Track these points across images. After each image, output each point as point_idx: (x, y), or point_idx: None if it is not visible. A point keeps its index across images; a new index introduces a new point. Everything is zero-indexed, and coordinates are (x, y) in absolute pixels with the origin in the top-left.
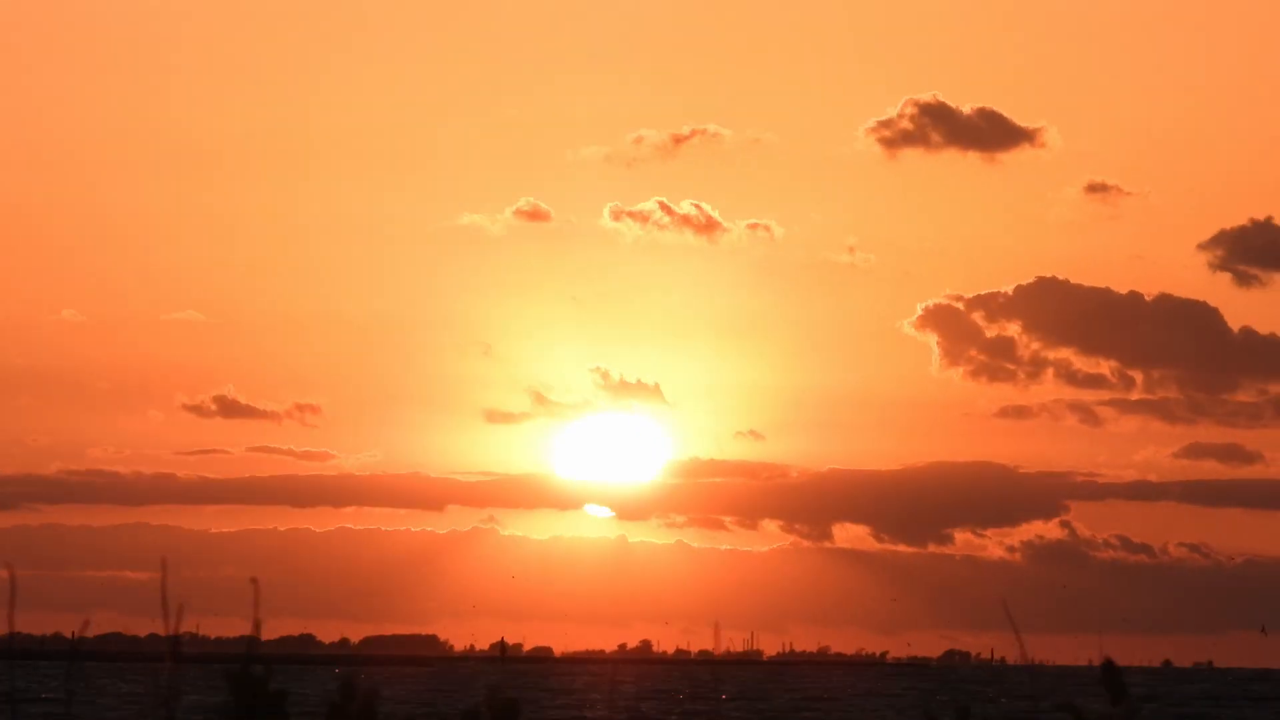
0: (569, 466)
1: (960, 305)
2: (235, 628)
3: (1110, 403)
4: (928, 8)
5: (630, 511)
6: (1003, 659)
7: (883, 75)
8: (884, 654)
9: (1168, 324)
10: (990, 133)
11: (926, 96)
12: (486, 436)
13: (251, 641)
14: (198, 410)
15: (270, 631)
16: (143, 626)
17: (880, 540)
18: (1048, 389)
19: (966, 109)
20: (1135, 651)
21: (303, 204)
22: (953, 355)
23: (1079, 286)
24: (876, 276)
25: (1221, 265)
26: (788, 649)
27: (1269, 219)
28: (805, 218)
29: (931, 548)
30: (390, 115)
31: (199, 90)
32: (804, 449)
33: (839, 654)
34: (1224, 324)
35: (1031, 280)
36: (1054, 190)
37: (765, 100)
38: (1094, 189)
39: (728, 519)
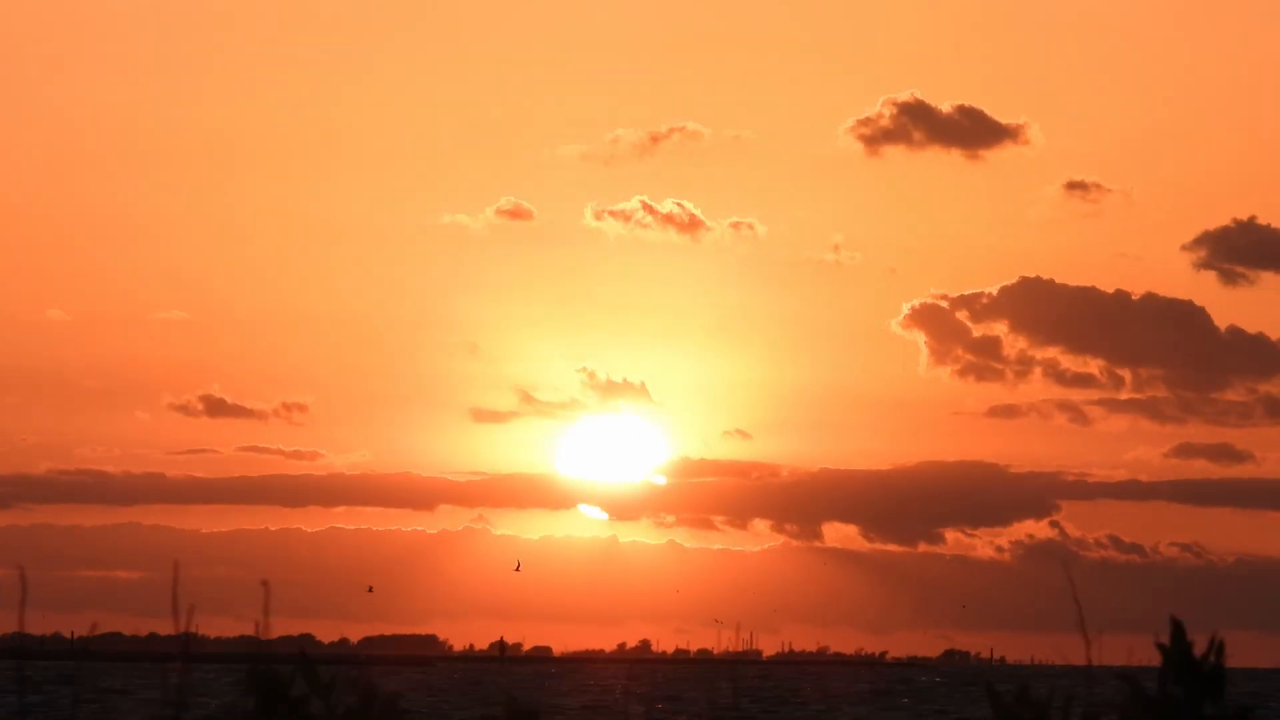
0: (558, 466)
1: (946, 304)
2: (230, 628)
3: (1099, 402)
4: (905, 4)
5: (621, 511)
6: (1002, 658)
7: (862, 73)
8: (884, 654)
9: (1155, 323)
10: (972, 130)
11: (906, 94)
12: (475, 436)
13: (254, 642)
14: (185, 410)
15: (268, 631)
16: (133, 625)
17: (871, 540)
18: (1036, 388)
19: (947, 106)
20: (1135, 651)
21: (286, 203)
22: (940, 354)
23: (1065, 286)
24: (862, 275)
25: (1205, 264)
26: (786, 649)
27: (1252, 219)
28: (788, 216)
29: (922, 547)
30: (372, 115)
31: (184, 91)
32: (793, 448)
33: (838, 653)
34: (1211, 323)
35: (1018, 278)
36: (1037, 188)
37: (742, 99)
38: (1074, 187)
39: (718, 518)
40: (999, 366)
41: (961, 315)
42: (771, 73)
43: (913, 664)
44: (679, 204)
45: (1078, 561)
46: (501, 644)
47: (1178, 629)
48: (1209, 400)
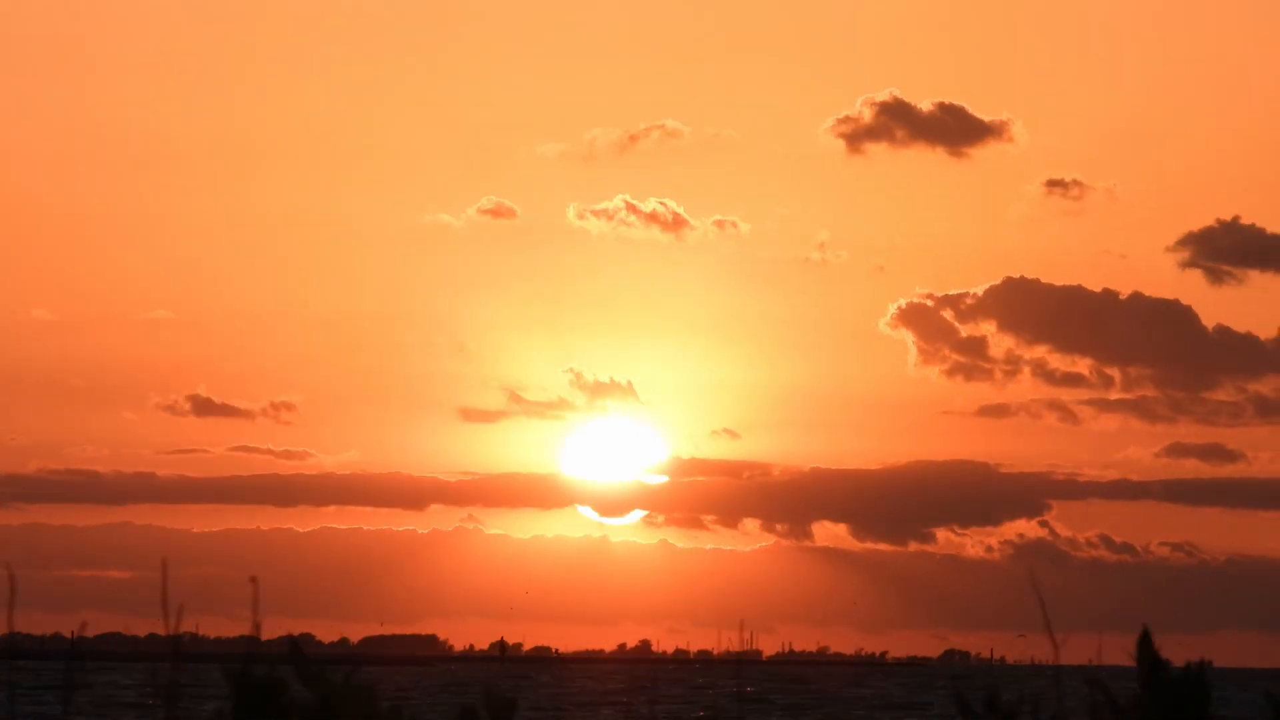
0: (548, 465)
1: (931, 303)
2: (225, 628)
3: (1089, 402)
4: (885, 1)
5: (612, 511)
6: (1002, 658)
7: (842, 71)
8: (884, 654)
9: (1143, 323)
10: (954, 128)
11: (887, 92)
12: (464, 435)
13: (251, 642)
14: (172, 409)
15: (268, 631)
16: (128, 625)
17: (861, 539)
18: (1025, 388)
19: (929, 104)
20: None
21: (271, 203)
22: (928, 354)
23: (1051, 285)
24: (848, 274)
25: (1191, 263)
26: (786, 649)
27: (1236, 218)
28: (771, 214)
29: (913, 546)
30: (355, 114)
31: (169, 90)
32: (782, 448)
33: (838, 653)
34: (1199, 322)
35: (1005, 277)
36: (1022, 186)
37: (721, 97)
38: (1056, 185)
39: (708, 518)
40: (988, 366)
41: (949, 315)
42: (750, 71)
43: (912, 664)
44: (662, 203)
45: (1068, 561)
46: (502, 644)
47: (1145, 638)
48: (1199, 400)
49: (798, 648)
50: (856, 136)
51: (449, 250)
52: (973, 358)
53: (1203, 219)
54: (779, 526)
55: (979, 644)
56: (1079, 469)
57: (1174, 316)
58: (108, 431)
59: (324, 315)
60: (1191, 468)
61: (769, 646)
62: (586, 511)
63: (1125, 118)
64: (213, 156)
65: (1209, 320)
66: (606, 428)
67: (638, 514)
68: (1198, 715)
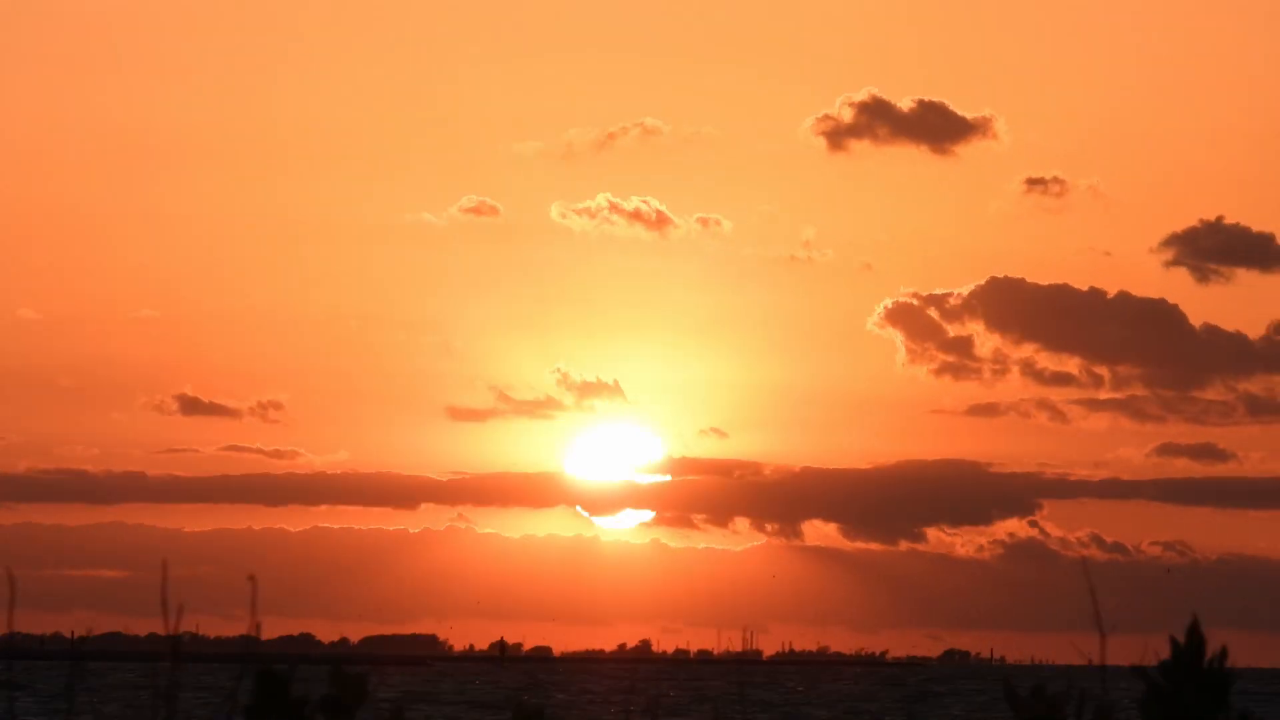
0: (538, 464)
1: (918, 302)
2: (220, 627)
3: (1079, 401)
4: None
5: (603, 510)
6: (1002, 658)
7: (821, 69)
8: (884, 653)
9: (1131, 322)
10: (936, 125)
11: (866, 91)
12: (453, 434)
13: (250, 641)
14: (160, 409)
15: (266, 631)
16: (122, 625)
17: (852, 539)
18: (1014, 387)
19: (910, 101)
20: (1132, 651)
21: (255, 202)
22: (916, 353)
23: (1038, 284)
24: (834, 272)
25: (1176, 262)
26: (786, 649)
27: (1220, 218)
28: (754, 212)
29: (904, 545)
30: (338, 113)
31: (154, 89)
32: (770, 447)
33: (838, 653)
34: (1187, 321)
35: (992, 276)
36: (1005, 184)
37: (700, 95)
38: (1037, 183)
39: (699, 517)
40: (976, 365)
41: (937, 314)
42: (728, 68)
43: (912, 664)
44: (645, 201)
45: (1058, 561)
46: (501, 644)
47: (1194, 630)
48: (1189, 399)
49: (798, 647)
50: (838, 134)
51: (432, 249)
52: (961, 357)
53: (1188, 217)
54: (769, 526)
55: (972, 643)
56: (1069, 468)
57: (1161, 316)
58: (97, 431)
59: (309, 314)
60: (1182, 467)
61: (768, 646)
62: (577, 511)
63: (1108, 116)
64: (197, 157)
65: (1196, 319)
66: (595, 427)
67: (629, 513)
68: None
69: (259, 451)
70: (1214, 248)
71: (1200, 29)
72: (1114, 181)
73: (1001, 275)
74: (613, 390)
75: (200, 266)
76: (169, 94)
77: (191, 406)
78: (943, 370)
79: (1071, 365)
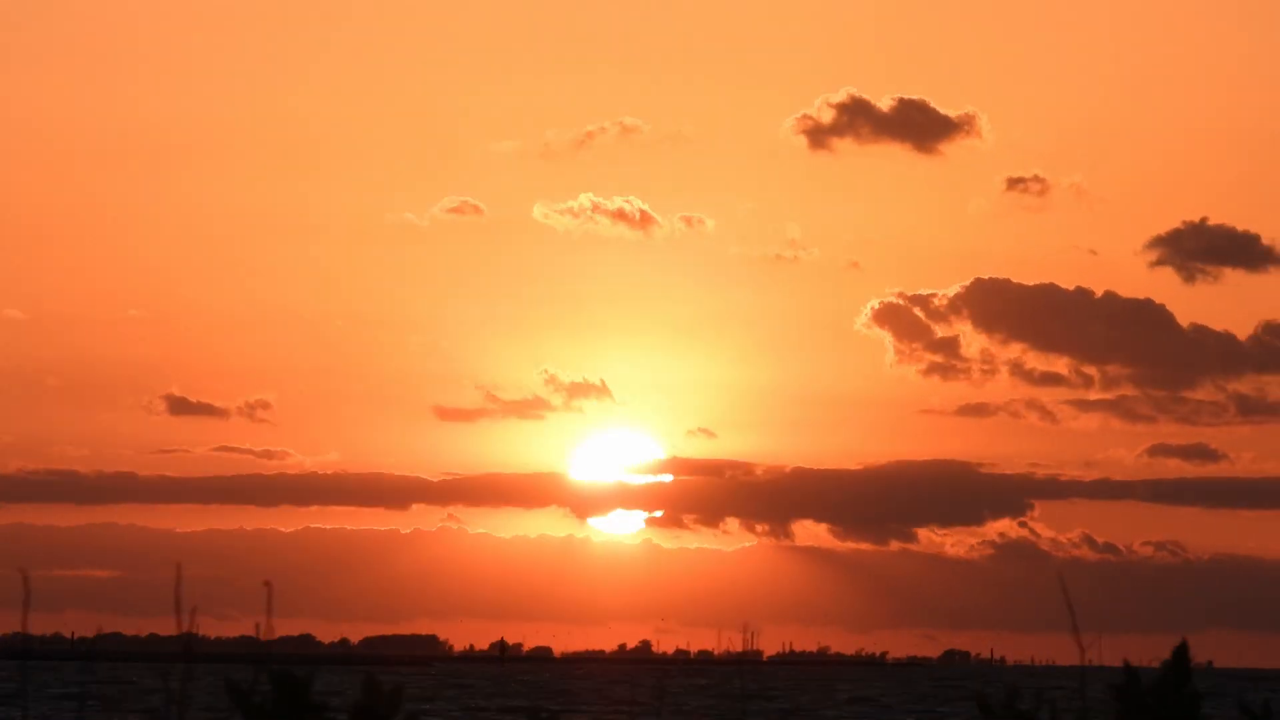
0: (528, 465)
1: (905, 302)
2: (214, 628)
3: (1069, 401)
4: None
5: (593, 510)
6: (1002, 659)
7: (801, 67)
8: (884, 654)
9: (1119, 322)
10: (918, 124)
11: (845, 91)
12: (442, 434)
13: (254, 643)
14: (149, 409)
15: (266, 631)
16: (117, 625)
17: (844, 539)
18: (1004, 387)
19: (892, 99)
20: (1132, 650)
21: (238, 201)
22: (905, 353)
23: (1024, 284)
24: (820, 271)
25: (1162, 262)
26: (787, 649)
27: (1204, 219)
28: (736, 211)
29: (894, 545)
30: (324, 113)
31: (140, 91)
32: (760, 447)
33: (839, 654)
34: (1174, 321)
35: (979, 276)
36: (988, 183)
37: (677, 94)
38: (1018, 182)
39: (689, 518)
40: (965, 365)
41: (925, 313)
42: (705, 67)
43: (913, 664)
44: (627, 200)
45: (1050, 561)
46: (502, 644)
47: (1181, 655)
48: (1179, 399)
49: (798, 648)
50: (819, 133)
51: (417, 249)
52: (949, 357)
53: (1174, 215)
54: (759, 526)
55: (966, 643)
56: (1061, 469)
57: (1149, 316)
58: (86, 431)
59: (295, 314)
60: (1174, 467)
61: (768, 647)
62: (567, 511)
63: (1092, 114)
64: (183, 157)
65: (1184, 319)
66: (584, 427)
67: (620, 514)
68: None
69: (249, 452)
70: (1200, 247)
71: (1182, 27)
72: (1098, 180)
73: (988, 274)
74: (600, 391)
75: (186, 267)
76: (155, 96)
77: (179, 406)
78: (931, 370)
79: (1060, 365)
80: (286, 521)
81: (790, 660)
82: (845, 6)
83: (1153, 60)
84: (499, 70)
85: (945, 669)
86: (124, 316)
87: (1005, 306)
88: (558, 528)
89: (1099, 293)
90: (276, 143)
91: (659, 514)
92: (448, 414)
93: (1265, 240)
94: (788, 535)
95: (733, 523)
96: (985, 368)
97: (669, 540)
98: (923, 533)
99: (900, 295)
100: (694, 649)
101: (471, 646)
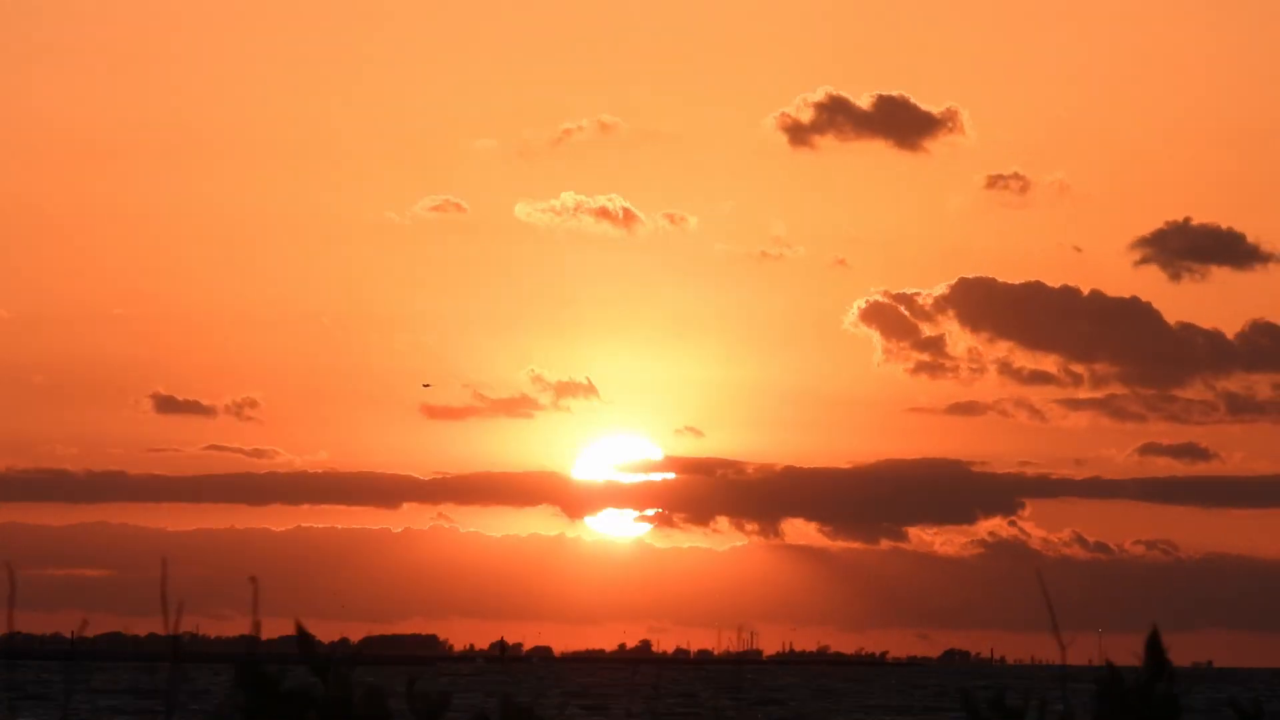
0: (517, 463)
1: (891, 300)
2: (210, 627)
3: (1059, 400)
4: None
5: (584, 509)
6: (1002, 658)
7: (781, 64)
8: (884, 654)
9: (1106, 320)
10: (901, 121)
11: (825, 88)
12: (431, 433)
13: (252, 642)
14: (136, 407)
15: (267, 630)
16: (125, 624)
17: (835, 538)
18: (993, 385)
19: (872, 96)
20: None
21: (222, 200)
22: (893, 351)
23: (1011, 283)
24: (806, 268)
25: (1148, 260)
26: (787, 648)
27: (1187, 219)
28: (718, 208)
29: (885, 544)
30: (306, 112)
31: (125, 88)
32: (747, 445)
33: (838, 653)
34: (1162, 319)
35: (965, 274)
36: (970, 181)
37: (654, 91)
38: (999, 180)
39: (679, 516)
40: (954, 363)
41: (911, 312)
42: (680, 64)
43: (913, 664)
44: (610, 198)
45: (1041, 560)
46: (502, 644)
47: (1155, 643)
48: (1169, 398)
49: (798, 647)
50: (800, 130)
51: (400, 248)
52: (938, 355)
53: (1159, 213)
54: (749, 525)
55: (960, 642)
56: (1051, 467)
57: (1137, 314)
58: (74, 430)
59: (280, 312)
60: (1165, 466)
61: (767, 646)
62: (558, 510)
63: (1074, 111)
64: (167, 156)
65: (1172, 317)
66: (573, 425)
67: (610, 512)
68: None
69: (239, 451)
70: (1187, 245)
71: (1166, 27)
72: (1082, 176)
73: (974, 269)
74: (588, 390)
75: (170, 265)
76: (139, 97)
77: (166, 405)
78: (920, 369)
79: (1048, 364)
80: (278, 520)
81: (790, 660)
82: (823, 2)
83: (1134, 57)
84: (474, 68)
85: (946, 669)
86: (109, 315)
87: (992, 304)
88: (549, 527)
89: (1085, 291)
90: (260, 143)
91: (650, 513)
92: (436, 412)
93: (1250, 239)
94: (777, 534)
95: (723, 521)
96: (973, 366)
97: (661, 539)
98: (914, 531)
99: (887, 294)
100: (694, 648)
101: (471, 646)
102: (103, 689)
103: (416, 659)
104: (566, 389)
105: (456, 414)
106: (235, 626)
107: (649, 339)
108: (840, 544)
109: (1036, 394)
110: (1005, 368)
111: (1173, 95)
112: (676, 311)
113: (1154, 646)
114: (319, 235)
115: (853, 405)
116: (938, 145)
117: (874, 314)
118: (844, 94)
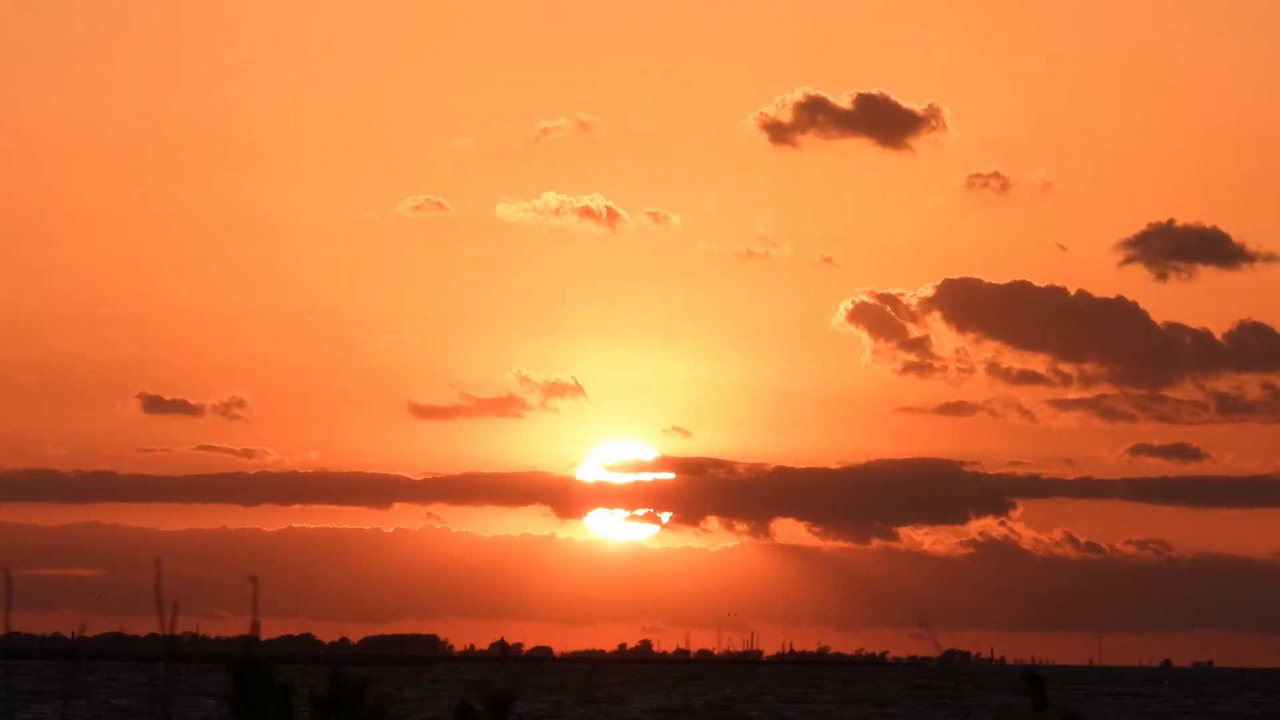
0: (507, 464)
1: (876, 300)
2: (206, 627)
3: (1049, 400)
4: None
5: (574, 508)
6: (1003, 659)
7: (762, 64)
8: (884, 654)
9: (1095, 320)
10: (882, 119)
11: (808, 86)
12: (419, 432)
13: (250, 641)
14: (123, 407)
15: (268, 630)
16: (100, 624)
17: (826, 538)
18: (982, 385)
19: (852, 95)
20: (1130, 650)
21: (207, 200)
22: (881, 351)
23: (997, 283)
24: (792, 267)
25: (1133, 259)
26: (787, 648)
27: (1170, 221)
28: (700, 207)
29: (875, 544)
30: (290, 112)
31: (110, 89)
32: (735, 445)
33: (839, 653)
34: (1149, 319)
35: (952, 275)
36: (954, 178)
37: (631, 91)
38: (980, 178)
39: (670, 516)
40: (942, 363)
41: (899, 312)
42: (654, 63)
43: (913, 664)
44: (592, 198)
45: (1033, 560)
46: (502, 644)
47: (1035, 679)
48: (1159, 397)
49: (798, 647)
50: (781, 129)
51: (383, 247)
52: (925, 355)
53: (1142, 210)
54: (738, 525)
55: (954, 641)
56: (1042, 467)
57: (1124, 314)
58: (64, 430)
59: (266, 312)
60: (1156, 466)
61: (767, 646)
62: (548, 510)
63: (1056, 110)
64: (153, 156)
65: (1159, 316)
66: (561, 425)
67: (601, 512)
68: None
69: (229, 451)
70: (1171, 246)
71: (1152, 27)
72: (1065, 174)
73: (960, 269)
74: (574, 389)
75: (155, 266)
76: (123, 99)
77: (154, 405)
78: (908, 369)
79: (1036, 364)
80: (269, 520)
81: (790, 660)
82: (799, 1)
83: (1117, 55)
84: (448, 67)
85: (946, 668)
86: (94, 315)
87: (978, 305)
88: (540, 527)
89: (1072, 291)
90: (245, 144)
91: (640, 512)
92: (423, 412)
93: (1235, 239)
94: (767, 534)
95: (713, 521)
96: (962, 366)
97: (652, 539)
98: (906, 531)
99: (872, 294)
100: (694, 648)
101: (472, 646)
102: (102, 688)
103: (417, 659)
104: (553, 389)
105: (445, 414)
106: (229, 626)
107: (635, 338)
108: (831, 544)
109: (1026, 394)
110: (994, 368)
111: (1156, 93)
112: (662, 311)
113: (1035, 684)
114: (302, 235)
115: (842, 405)
116: (921, 143)
117: (861, 314)
118: (822, 93)
